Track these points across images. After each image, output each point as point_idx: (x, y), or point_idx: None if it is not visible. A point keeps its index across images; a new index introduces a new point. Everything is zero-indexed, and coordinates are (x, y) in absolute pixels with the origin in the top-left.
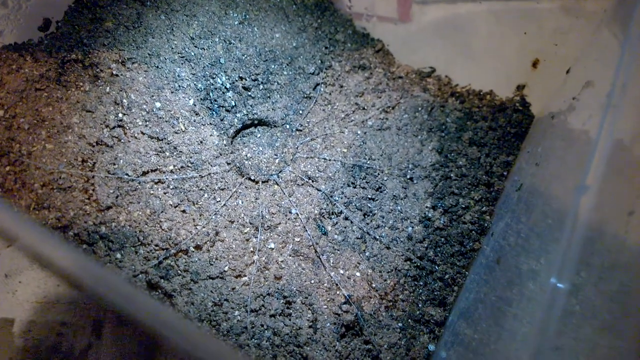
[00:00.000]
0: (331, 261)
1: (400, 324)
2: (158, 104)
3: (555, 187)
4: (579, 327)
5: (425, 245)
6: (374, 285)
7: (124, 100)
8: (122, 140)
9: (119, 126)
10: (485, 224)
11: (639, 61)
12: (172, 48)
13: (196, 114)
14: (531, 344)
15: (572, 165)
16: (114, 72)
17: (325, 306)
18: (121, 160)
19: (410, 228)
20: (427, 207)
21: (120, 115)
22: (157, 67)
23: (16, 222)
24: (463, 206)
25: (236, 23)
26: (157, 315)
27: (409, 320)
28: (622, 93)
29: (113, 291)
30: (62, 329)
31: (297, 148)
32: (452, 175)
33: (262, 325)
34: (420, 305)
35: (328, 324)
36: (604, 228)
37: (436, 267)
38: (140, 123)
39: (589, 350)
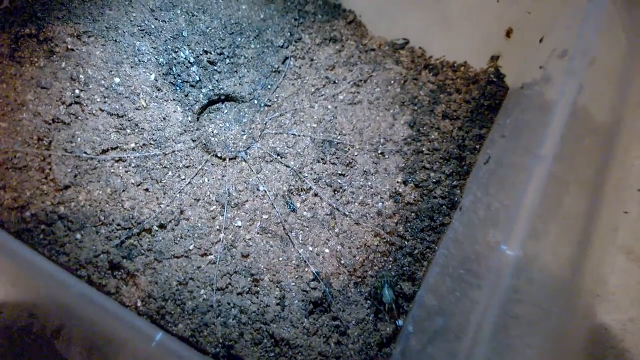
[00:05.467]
0: (300, 238)
1: (368, 301)
2: (117, 80)
3: (523, 158)
4: (536, 294)
5: (395, 220)
6: (342, 262)
7: (81, 76)
8: (80, 118)
9: (76, 103)
10: (456, 199)
11: (603, 29)
12: (131, 21)
13: (158, 90)
14: (491, 313)
15: (536, 135)
16: (70, 47)
17: (293, 283)
18: (79, 138)
19: (380, 203)
20: (397, 182)
21: (77, 91)
22: (115, 40)
23: None
24: (434, 180)
25: None
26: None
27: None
28: (584, 61)
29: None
30: (34, 310)
31: (265, 124)
32: (424, 149)
33: (229, 304)
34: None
35: (296, 301)
36: (561, 196)
37: (406, 243)
38: (98, 99)
39: (543, 317)
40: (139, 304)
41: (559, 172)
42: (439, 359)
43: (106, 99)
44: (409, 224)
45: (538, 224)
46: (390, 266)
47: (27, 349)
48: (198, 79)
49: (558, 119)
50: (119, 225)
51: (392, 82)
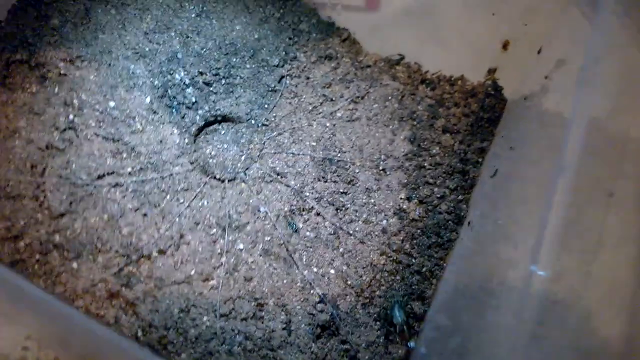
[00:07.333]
0: (304, 259)
1: (378, 322)
2: (112, 104)
3: (531, 171)
4: (563, 316)
5: (401, 238)
6: (349, 282)
7: (75, 101)
8: (74, 143)
9: (70, 128)
10: (462, 213)
11: (609, 38)
12: (125, 44)
13: (154, 113)
14: (513, 335)
15: (547, 148)
16: (62, 72)
17: (299, 306)
18: (74, 164)
19: (384, 221)
20: (401, 198)
21: (71, 116)
22: (109, 64)
23: None
24: (438, 196)
25: (193, 16)
26: None
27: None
28: (594, 70)
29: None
30: (27, 343)
31: (263, 144)
32: (425, 164)
33: (233, 330)
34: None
35: (303, 325)
36: (584, 210)
37: (413, 260)
38: (93, 124)
39: (574, 340)
40: (139, 333)
41: (580, 185)
42: None
43: (101, 124)
44: (415, 241)
45: (564, 241)
46: (398, 285)
47: None
48: (194, 100)
49: (574, 130)
50: (117, 252)
51: (390, 97)
